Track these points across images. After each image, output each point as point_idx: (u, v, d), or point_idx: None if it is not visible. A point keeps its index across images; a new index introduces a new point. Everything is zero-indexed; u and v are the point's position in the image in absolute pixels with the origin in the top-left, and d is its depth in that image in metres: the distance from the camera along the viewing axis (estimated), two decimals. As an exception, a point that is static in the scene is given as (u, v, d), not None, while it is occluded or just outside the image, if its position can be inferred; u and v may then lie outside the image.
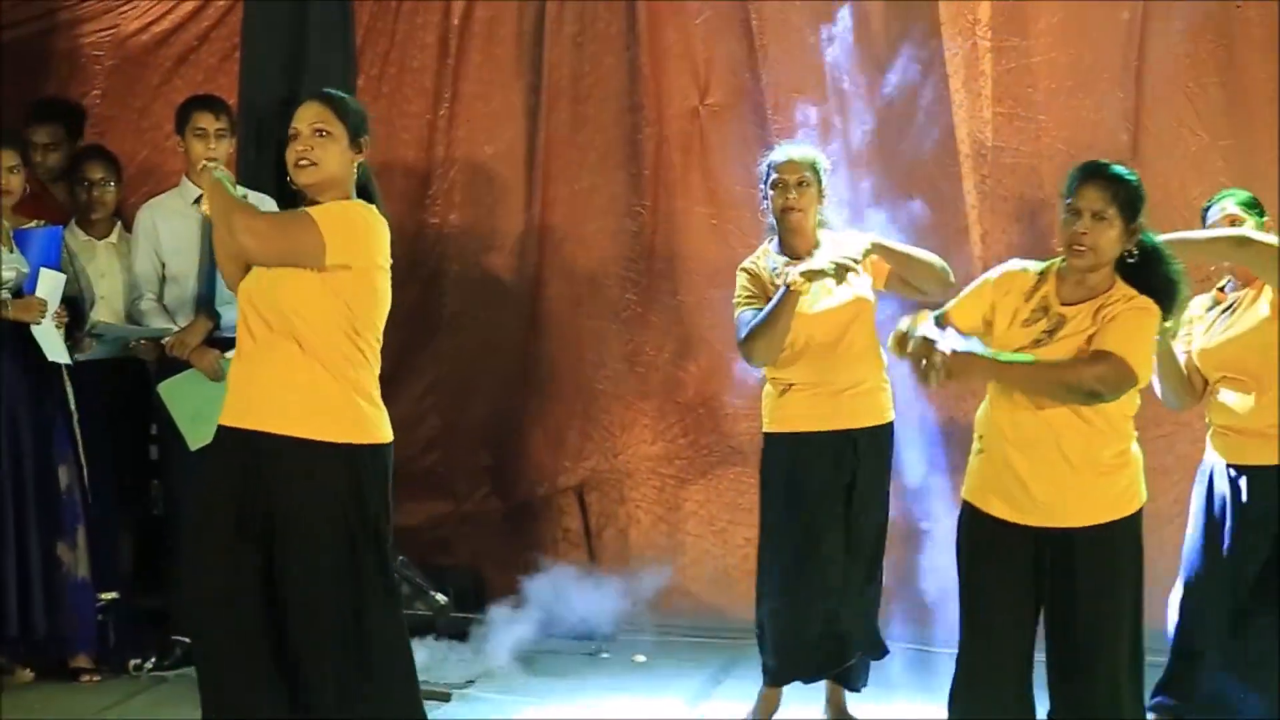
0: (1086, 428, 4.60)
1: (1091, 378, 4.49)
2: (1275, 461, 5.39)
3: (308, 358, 4.51)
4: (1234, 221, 5.62)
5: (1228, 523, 5.48)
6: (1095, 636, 4.61)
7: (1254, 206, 5.76)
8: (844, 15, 7.72)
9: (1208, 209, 5.81)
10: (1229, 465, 5.51)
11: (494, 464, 8.23)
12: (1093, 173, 4.67)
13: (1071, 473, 4.61)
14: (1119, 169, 4.71)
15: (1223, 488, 5.52)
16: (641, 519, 8.08)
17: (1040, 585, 4.67)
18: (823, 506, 5.91)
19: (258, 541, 4.52)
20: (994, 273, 4.85)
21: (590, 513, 8.13)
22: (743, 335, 5.85)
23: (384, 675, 4.58)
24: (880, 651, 6.16)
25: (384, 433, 4.67)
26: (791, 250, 5.98)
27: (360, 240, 4.56)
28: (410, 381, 8.17)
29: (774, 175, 6.00)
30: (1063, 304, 4.66)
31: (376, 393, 4.66)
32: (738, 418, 7.79)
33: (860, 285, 5.93)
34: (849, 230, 6.17)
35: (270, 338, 4.51)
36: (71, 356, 6.66)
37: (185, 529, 4.81)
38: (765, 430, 6.07)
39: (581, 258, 8.14)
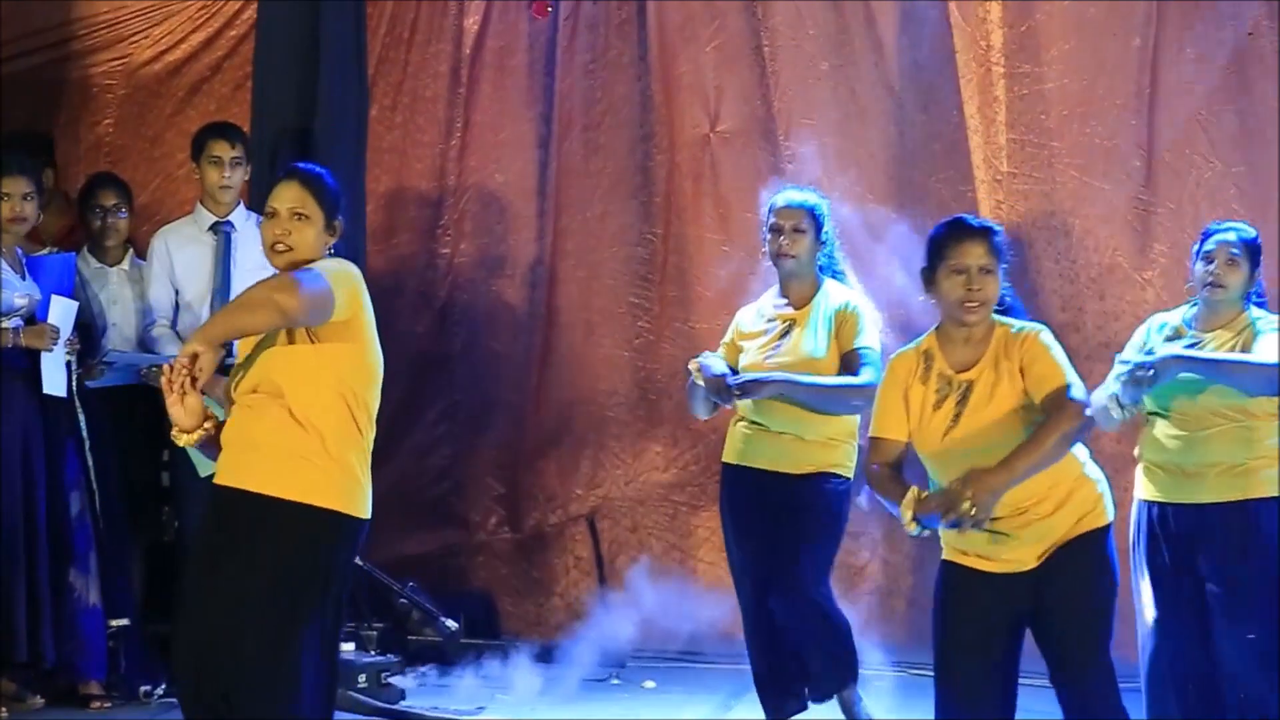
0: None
1: (1075, 419, 4.53)
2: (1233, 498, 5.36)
3: (291, 421, 4.45)
4: (1231, 261, 5.47)
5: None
6: (1084, 641, 4.67)
7: (1254, 251, 5.54)
8: (857, 42, 7.74)
9: (1207, 235, 5.62)
10: (1167, 504, 5.45)
11: (506, 492, 8.23)
12: (968, 230, 4.70)
13: (1042, 523, 4.65)
14: (976, 220, 4.81)
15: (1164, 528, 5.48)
16: (654, 546, 8.07)
17: (1019, 612, 4.70)
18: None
19: None
20: (887, 370, 4.84)
21: (602, 540, 8.13)
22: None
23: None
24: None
25: (366, 508, 4.58)
26: (787, 292, 6.05)
27: (357, 300, 4.54)
28: (422, 410, 8.19)
29: (771, 219, 6.03)
30: (958, 372, 4.69)
31: (366, 467, 4.58)
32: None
33: (813, 346, 5.95)
34: (857, 289, 6.15)
35: (261, 401, 4.49)
36: (83, 385, 6.68)
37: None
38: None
39: (593, 285, 8.15)
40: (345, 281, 4.48)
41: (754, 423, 6.02)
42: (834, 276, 6.13)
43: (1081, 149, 7.50)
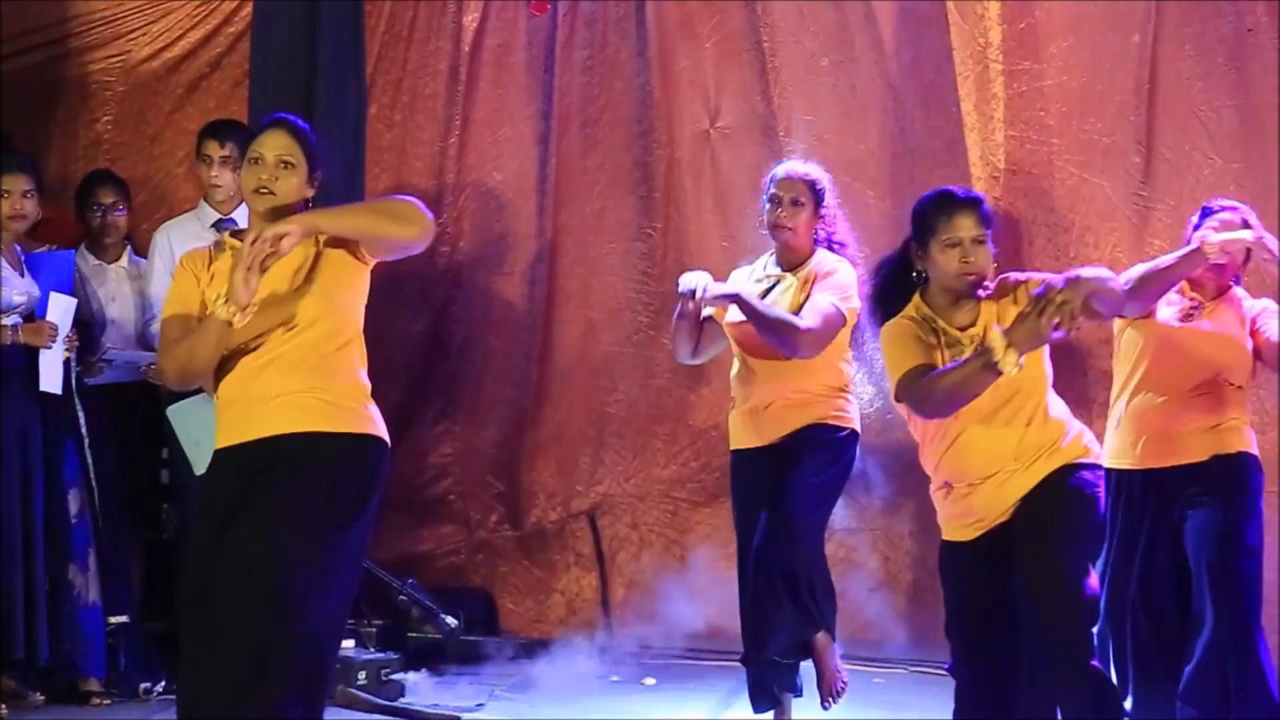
0: (1036, 428, 4.82)
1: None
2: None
3: (323, 375, 4.52)
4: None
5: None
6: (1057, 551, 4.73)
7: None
8: (856, 39, 7.74)
9: (1208, 213, 5.79)
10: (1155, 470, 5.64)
11: (506, 489, 8.24)
12: (960, 202, 4.86)
13: (1018, 478, 4.81)
14: (962, 191, 4.99)
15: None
16: (654, 542, 8.08)
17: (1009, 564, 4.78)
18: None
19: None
20: (896, 330, 4.92)
21: (602, 537, 8.13)
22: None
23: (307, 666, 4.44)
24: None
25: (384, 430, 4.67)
26: (781, 261, 6.06)
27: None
28: (422, 408, 8.20)
29: (771, 189, 6.04)
30: (963, 330, 4.86)
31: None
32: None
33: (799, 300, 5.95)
34: (840, 261, 6.14)
35: (302, 346, 4.51)
36: (82, 382, 6.69)
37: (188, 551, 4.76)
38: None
39: (593, 282, 8.17)
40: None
41: (742, 404, 6.03)
42: (830, 247, 6.12)
43: (1080, 146, 7.50)
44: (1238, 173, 7.37)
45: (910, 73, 7.72)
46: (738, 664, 7.22)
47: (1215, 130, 7.40)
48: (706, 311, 5.98)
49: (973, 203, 4.86)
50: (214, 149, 6.95)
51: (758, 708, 6.11)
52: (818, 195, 6.06)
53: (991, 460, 4.81)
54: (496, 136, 8.19)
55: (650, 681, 7.30)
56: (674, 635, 7.72)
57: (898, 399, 4.88)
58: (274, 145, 4.62)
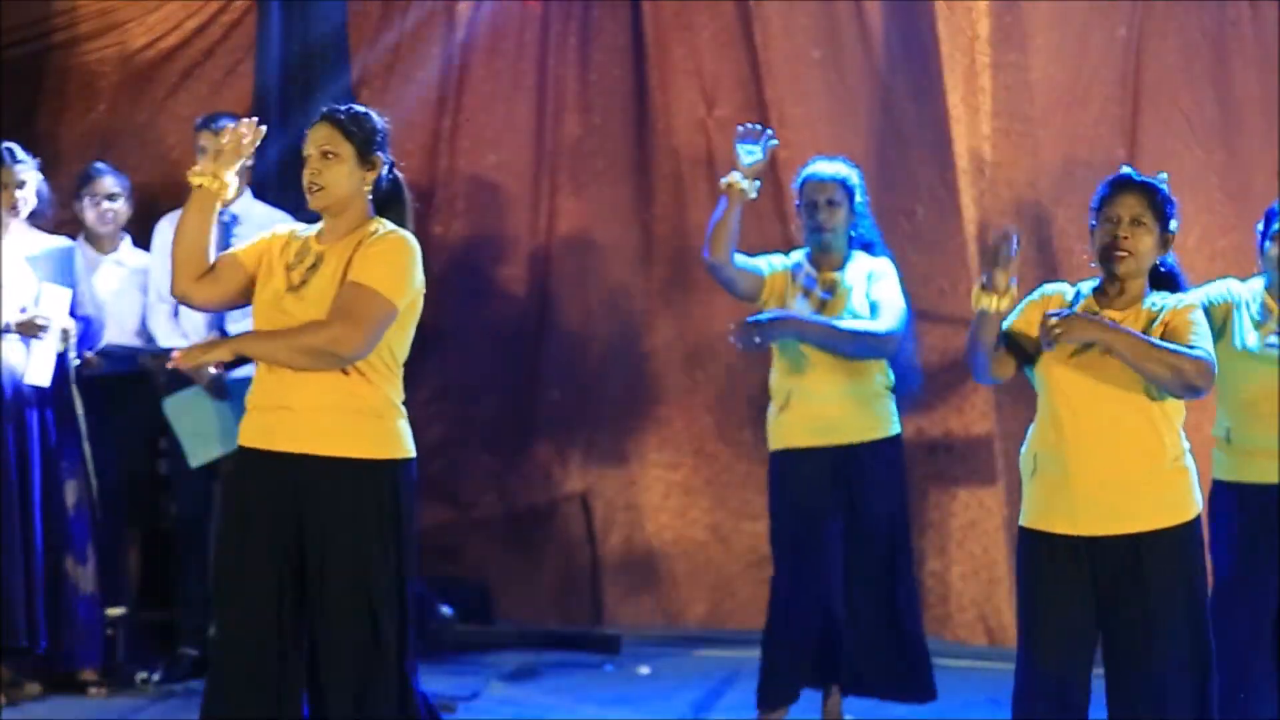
0: (1152, 432, 4.65)
1: (1192, 370, 4.53)
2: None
3: (352, 379, 4.60)
4: None
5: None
6: (1162, 639, 4.62)
7: None
8: (845, 31, 7.79)
9: (1274, 218, 5.54)
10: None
11: (500, 471, 8.26)
12: (1127, 181, 4.76)
13: (1138, 477, 4.64)
14: (1139, 175, 4.82)
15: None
16: (647, 526, 8.12)
17: (1099, 597, 4.68)
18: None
19: (286, 554, 4.61)
20: (1038, 294, 4.86)
21: (596, 519, 8.16)
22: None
23: (392, 678, 4.67)
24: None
25: (412, 446, 4.79)
26: (819, 265, 6.10)
27: (408, 278, 4.65)
28: (416, 388, 8.11)
29: (806, 193, 6.06)
30: (1102, 311, 4.70)
31: (402, 404, 4.77)
32: (744, 425, 7.83)
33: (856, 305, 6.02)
34: (884, 259, 6.20)
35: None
36: (80, 374, 6.69)
37: (216, 547, 4.84)
38: None
39: (589, 266, 8.19)
40: (405, 282, 4.60)
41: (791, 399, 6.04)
42: (864, 248, 6.18)
43: (1065, 138, 7.57)
44: (1220, 165, 7.46)
45: (899, 65, 7.76)
46: (732, 650, 7.33)
47: (1198, 123, 7.48)
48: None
49: (1147, 187, 4.76)
50: (209, 140, 6.93)
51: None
52: (850, 192, 6.10)
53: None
54: (491, 120, 8.20)
55: (645, 669, 7.35)
56: (669, 621, 7.80)
57: None
58: (316, 139, 4.66)
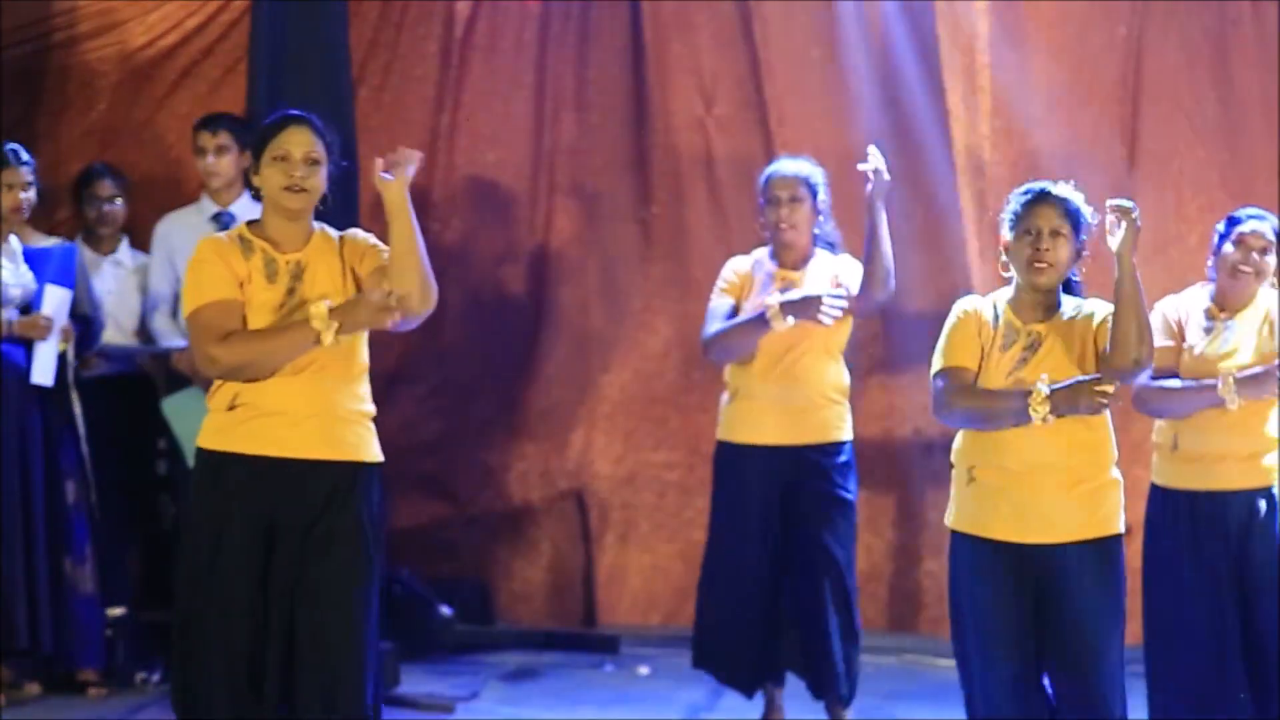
0: (1095, 441, 4.73)
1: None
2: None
3: (339, 383, 4.63)
4: (1264, 250, 5.51)
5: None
6: (1096, 642, 4.72)
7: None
8: (845, 30, 7.78)
9: (1232, 224, 5.61)
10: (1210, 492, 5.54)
11: (495, 468, 8.25)
12: (1044, 194, 4.81)
13: (1076, 489, 4.70)
14: (1065, 188, 4.86)
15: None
16: (642, 525, 8.11)
17: (1036, 599, 4.75)
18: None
19: (259, 556, 4.62)
20: (958, 312, 4.90)
21: (591, 518, 8.15)
22: (708, 332, 6.11)
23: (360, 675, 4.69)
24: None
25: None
26: (782, 262, 6.08)
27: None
28: (412, 385, 8.19)
29: (768, 190, 6.09)
30: (1026, 325, 4.77)
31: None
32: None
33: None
34: (845, 256, 6.23)
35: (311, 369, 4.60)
36: (79, 375, 6.69)
37: (186, 546, 4.81)
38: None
39: (587, 263, 8.18)
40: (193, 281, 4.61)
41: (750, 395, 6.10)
42: (826, 248, 6.20)
43: (1065, 138, 7.55)
44: (1221, 165, 7.46)
45: (898, 64, 7.75)
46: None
47: (1199, 123, 7.49)
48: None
49: (1062, 198, 4.80)
50: (207, 140, 6.98)
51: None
52: (813, 190, 6.12)
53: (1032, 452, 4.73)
54: (490, 118, 8.18)
55: (644, 670, 7.35)
56: (666, 620, 7.80)
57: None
58: (300, 142, 4.63)
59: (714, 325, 6.11)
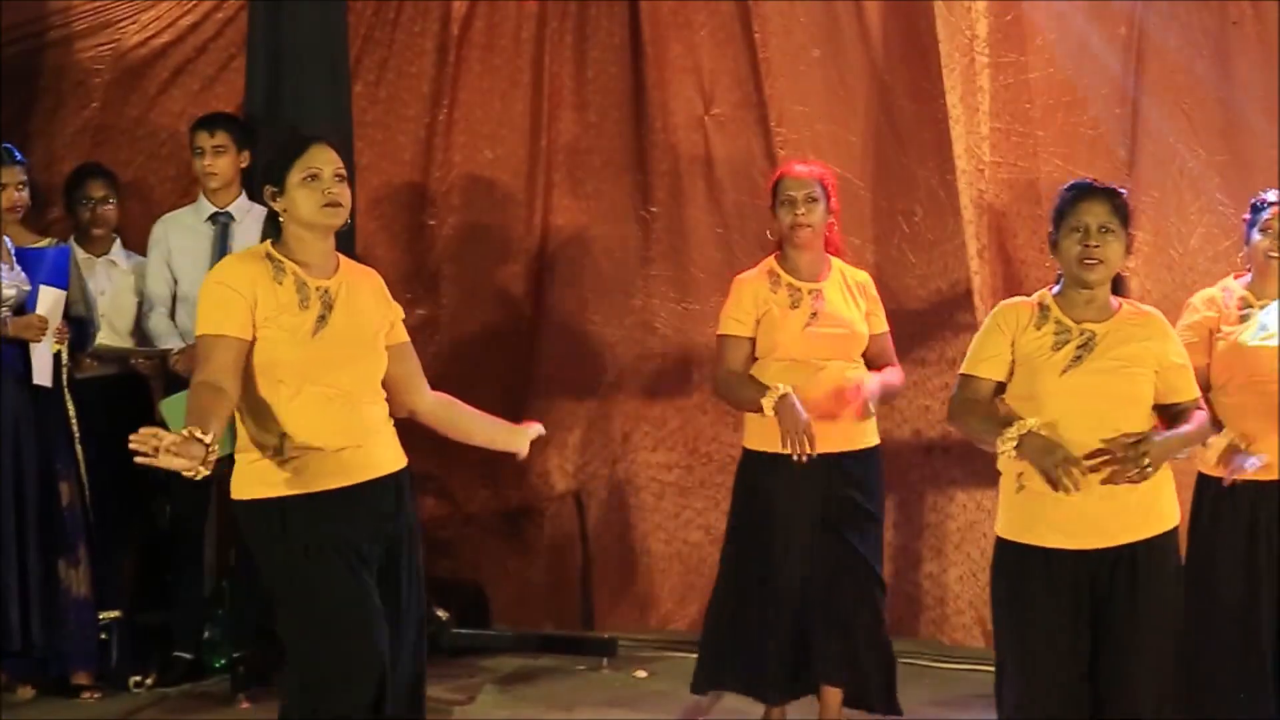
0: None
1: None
2: None
3: (370, 406, 4.78)
4: None
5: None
6: (1156, 641, 4.70)
7: None
8: (845, 30, 7.75)
9: (1256, 210, 5.67)
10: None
11: (493, 468, 8.21)
12: (1091, 189, 4.78)
13: (1126, 490, 4.64)
14: (1100, 183, 4.84)
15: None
16: (640, 526, 8.09)
17: (1092, 607, 4.71)
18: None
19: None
20: (995, 317, 4.87)
21: (589, 519, 8.13)
22: (719, 376, 6.07)
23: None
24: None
25: None
26: (796, 270, 6.00)
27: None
28: (409, 385, 8.15)
29: (783, 191, 6.01)
30: (1078, 323, 4.74)
31: None
32: (740, 426, 7.76)
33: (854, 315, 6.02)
34: (862, 273, 6.20)
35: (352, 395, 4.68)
36: (73, 376, 6.67)
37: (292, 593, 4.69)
38: None
39: (585, 263, 8.16)
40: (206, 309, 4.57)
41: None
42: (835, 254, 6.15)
43: (1065, 138, 7.52)
44: (1222, 166, 7.42)
45: (898, 64, 7.73)
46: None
47: (1200, 123, 7.44)
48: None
49: (1111, 194, 4.79)
50: (204, 140, 6.97)
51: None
52: (826, 190, 6.06)
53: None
54: (487, 116, 8.18)
55: (642, 674, 7.31)
56: (664, 622, 7.76)
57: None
58: (328, 160, 4.63)
59: (726, 369, 6.00)
